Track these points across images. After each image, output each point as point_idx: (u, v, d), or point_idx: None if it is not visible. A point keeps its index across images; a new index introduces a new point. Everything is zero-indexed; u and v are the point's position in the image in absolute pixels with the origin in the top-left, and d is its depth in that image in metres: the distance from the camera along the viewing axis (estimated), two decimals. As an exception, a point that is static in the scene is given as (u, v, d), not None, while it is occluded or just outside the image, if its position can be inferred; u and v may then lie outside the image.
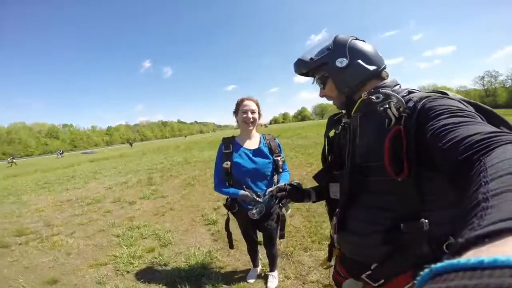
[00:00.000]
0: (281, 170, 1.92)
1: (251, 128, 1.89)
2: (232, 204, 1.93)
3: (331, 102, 1.02)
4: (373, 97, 0.82)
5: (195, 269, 2.65)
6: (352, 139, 0.86)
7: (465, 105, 0.66)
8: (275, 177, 1.93)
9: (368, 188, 0.84)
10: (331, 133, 1.10)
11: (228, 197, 1.97)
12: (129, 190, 6.71)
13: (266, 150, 1.91)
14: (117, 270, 2.79)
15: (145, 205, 5.22)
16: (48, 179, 10.40)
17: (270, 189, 1.35)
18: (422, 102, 0.69)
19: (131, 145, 50.67)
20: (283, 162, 1.94)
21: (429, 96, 0.70)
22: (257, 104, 1.91)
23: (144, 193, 6.10)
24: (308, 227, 3.35)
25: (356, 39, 0.92)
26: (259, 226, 2.02)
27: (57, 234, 4.03)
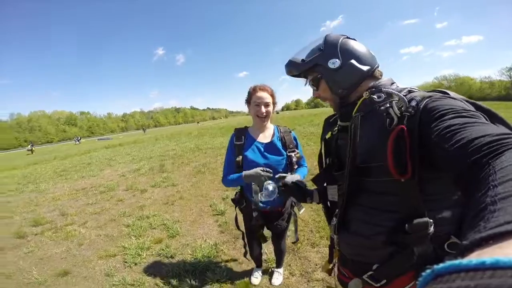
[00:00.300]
0: (296, 166, 1.74)
1: (264, 123, 1.73)
2: (240, 199, 1.82)
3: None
4: (375, 96, 0.81)
5: (201, 263, 2.64)
6: (353, 140, 0.82)
7: (467, 105, 0.65)
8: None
9: (369, 189, 0.82)
10: (328, 135, 1.07)
11: (237, 191, 1.87)
12: (141, 178, 6.82)
13: (279, 144, 1.75)
14: (125, 262, 2.84)
15: (156, 193, 5.29)
16: (66, 167, 10.72)
17: (281, 174, 1.29)
18: (425, 102, 0.68)
19: (144, 131, 51.41)
20: (298, 158, 1.75)
21: (431, 96, 0.69)
22: (272, 94, 1.72)
23: (156, 180, 6.18)
24: (317, 221, 3.28)
25: (347, 38, 0.89)
26: (269, 225, 1.91)
27: (71, 224, 4.14)
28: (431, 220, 0.72)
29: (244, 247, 2.10)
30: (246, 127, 1.81)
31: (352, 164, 0.81)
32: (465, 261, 0.19)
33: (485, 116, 0.61)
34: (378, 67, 0.89)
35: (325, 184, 1.09)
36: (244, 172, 1.61)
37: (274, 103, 1.74)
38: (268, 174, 1.56)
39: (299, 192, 1.19)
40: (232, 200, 1.89)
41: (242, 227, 2.01)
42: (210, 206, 4.19)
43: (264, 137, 1.76)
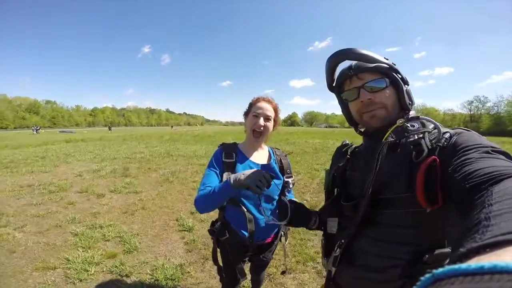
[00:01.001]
0: (287, 194, 1.49)
1: (257, 141, 1.45)
2: (222, 230, 1.43)
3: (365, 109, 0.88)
4: (409, 124, 0.78)
5: (161, 285, 2.30)
6: (375, 169, 0.77)
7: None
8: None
9: (382, 221, 0.79)
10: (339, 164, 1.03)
11: (216, 219, 1.51)
12: (100, 180, 6.16)
13: (276, 168, 1.50)
14: (67, 277, 2.38)
15: (115, 200, 4.74)
16: (15, 157, 9.56)
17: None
18: (456, 136, 0.69)
19: (110, 129, 49.38)
20: (293, 184, 1.53)
21: (462, 132, 0.71)
22: (276, 109, 1.48)
23: (116, 185, 5.60)
24: (292, 244, 3.08)
25: None
26: (253, 258, 1.59)
27: (5, 225, 3.50)
28: (450, 249, 0.70)
29: (221, 281, 1.67)
30: (235, 143, 1.53)
31: (378, 194, 0.77)
32: (464, 265, 0.19)
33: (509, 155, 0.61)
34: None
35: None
36: (232, 177, 1.18)
37: (275, 120, 1.49)
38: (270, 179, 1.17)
39: (306, 212, 1.11)
40: (210, 230, 1.51)
41: (220, 262, 1.64)
42: (177, 220, 3.79)
43: (260, 158, 1.50)
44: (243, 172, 1.17)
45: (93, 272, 2.47)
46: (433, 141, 0.71)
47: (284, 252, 1.77)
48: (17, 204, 4.43)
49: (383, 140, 0.80)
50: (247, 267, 1.92)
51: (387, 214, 0.78)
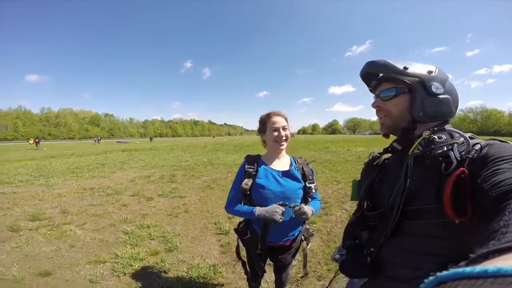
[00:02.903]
0: (310, 200, 1.60)
1: (283, 147, 1.58)
2: (244, 230, 1.63)
3: (376, 117, 0.95)
4: (436, 136, 0.78)
5: (195, 283, 2.43)
6: (404, 179, 0.77)
7: None
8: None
9: (409, 231, 0.78)
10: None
11: (242, 221, 1.70)
12: (150, 185, 6.72)
13: (297, 174, 1.60)
14: (114, 271, 2.64)
15: (162, 203, 5.13)
16: (80, 164, 10.88)
17: (294, 204, 1.37)
18: (487, 148, 0.68)
19: (151, 140, 52.55)
20: (316, 190, 1.62)
21: (494, 143, 0.70)
22: (286, 119, 1.62)
23: (164, 190, 6.05)
24: (327, 252, 3.00)
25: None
26: (273, 258, 1.70)
27: (69, 223, 4.01)
28: None
29: (246, 273, 1.87)
30: (259, 155, 1.67)
31: (406, 205, 0.76)
32: (468, 269, 0.19)
33: None
34: (454, 116, 0.88)
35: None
36: (257, 210, 1.44)
37: (287, 123, 1.63)
38: (283, 209, 1.42)
39: (363, 263, 0.88)
40: (235, 230, 1.73)
41: (244, 257, 1.82)
42: (215, 223, 3.96)
43: (281, 165, 1.62)
44: (266, 209, 1.42)
45: (136, 267, 2.72)
46: (462, 153, 0.70)
47: (304, 257, 1.81)
48: (80, 204, 5.05)
49: (410, 152, 0.81)
50: (270, 268, 1.99)
51: (414, 225, 0.77)
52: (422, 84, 0.84)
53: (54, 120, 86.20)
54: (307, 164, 1.69)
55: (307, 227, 1.75)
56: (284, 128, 1.57)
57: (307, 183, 1.59)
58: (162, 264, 2.74)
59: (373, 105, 0.93)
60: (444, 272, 0.20)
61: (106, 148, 22.92)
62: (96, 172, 8.78)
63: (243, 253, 1.76)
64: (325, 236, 3.41)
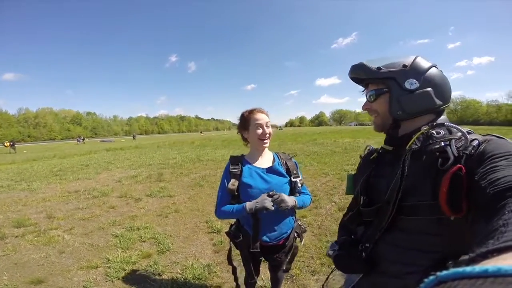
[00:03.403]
0: (297, 194, 1.59)
1: (266, 145, 1.57)
2: (236, 233, 1.61)
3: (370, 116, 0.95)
4: (434, 131, 0.78)
5: (190, 284, 2.43)
6: (401, 176, 0.77)
7: None
8: None
9: (405, 227, 0.78)
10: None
11: (233, 223, 1.69)
12: (137, 185, 6.60)
13: (281, 169, 1.60)
14: (107, 276, 2.61)
15: (150, 203, 5.07)
16: (63, 166, 10.55)
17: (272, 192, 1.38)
18: (485, 144, 0.67)
19: (134, 138, 53.46)
20: (302, 184, 1.62)
21: (491, 139, 0.69)
22: (268, 116, 1.61)
23: (152, 190, 5.97)
24: (318, 246, 3.05)
25: (436, 67, 0.85)
26: (267, 258, 1.72)
27: (56, 228, 3.91)
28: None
29: (235, 280, 1.86)
30: (242, 155, 1.66)
31: (401, 200, 0.76)
32: (468, 268, 0.19)
33: None
34: (448, 106, 0.86)
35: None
36: (247, 204, 1.44)
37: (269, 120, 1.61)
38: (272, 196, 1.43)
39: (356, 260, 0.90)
40: (227, 233, 1.71)
41: (235, 263, 1.82)
42: (206, 222, 3.96)
43: (264, 162, 1.62)
44: (255, 201, 1.43)
45: (129, 270, 2.69)
46: (460, 149, 0.70)
47: (293, 254, 1.76)
48: (66, 208, 4.91)
49: (407, 147, 0.80)
50: (265, 265, 2.01)
51: (410, 221, 0.77)
52: (396, 82, 0.83)
53: (33, 120, 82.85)
54: (290, 158, 1.69)
55: (299, 223, 1.76)
56: (267, 125, 1.55)
57: (292, 177, 1.59)
58: (156, 267, 2.72)
59: (363, 108, 0.95)
60: (444, 272, 0.20)
61: (90, 148, 22.28)
62: (80, 174, 8.54)
63: (237, 257, 1.76)
64: (316, 230, 3.46)
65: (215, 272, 2.62)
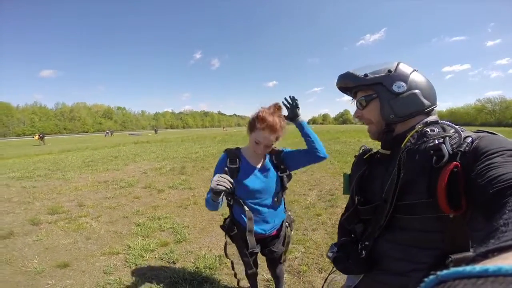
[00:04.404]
0: (286, 188, 1.66)
1: (261, 154, 1.58)
2: (231, 226, 1.66)
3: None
4: (428, 129, 0.79)
5: (201, 273, 2.55)
6: (397, 174, 0.77)
7: None
8: (280, 194, 1.66)
9: (404, 226, 0.79)
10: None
11: (228, 217, 1.73)
12: (161, 177, 6.91)
13: (272, 165, 1.64)
14: (126, 262, 2.81)
15: (172, 195, 5.31)
16: (94, 158, 11.22)
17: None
18: (478, 140, 0.68)
19: (156, 132, 55.33)
20: (290, 178, 1.64)
21: (484, 135, 0.70)
22: (280, 130, 1.48)
23: (174, 182, 6.23)
24: (330, 245, 3.03)
25: (416, 71, 0.89)
26: (264, 251, 1.76)
27: (85, 215, 4.22)
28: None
29: (234, 276, 1.93)
30: (238, 148, 1.65)
31: (398, 199, 0.77)
32: (468, 268, 0.19)
33: None
34: (436, 106, 0.88)
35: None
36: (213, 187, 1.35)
37: (278, 137, 1.51)
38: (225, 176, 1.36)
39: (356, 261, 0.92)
40: (222, 227, 1.74)
41: (232, 256, 1.88)
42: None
43: (259, 161, 1.64)
44: (213, 185, 1.34)
45: (147, 257, 2.87)
46: (454, 146, 0.70)
47: (287, 244, 1.80)
48: (95, 197, 5.28)
49: (402, 146, 0.81)
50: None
51: (408, 219, 0.78)
52: (383, 87, 0.85)
53: (69, 114, 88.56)
54: (278, 153, 1.67)
55: (289, 213, 1.82)
56: (268, 146, 1.50)
57: (279, 172, 1.61)
58: (171, 255, 2.88)
59: (354, 116, 0.97)
60: (445, 271, 0.20)
61: (120, 141, 23.44)
62: (110, 165, 9.05)
63: (232, 250, 1.80)
64: (330, 229, 3.46)
65: (225, 263, 2.71)
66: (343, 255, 0.93)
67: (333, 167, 7.60)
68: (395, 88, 0.83)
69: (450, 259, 0.70)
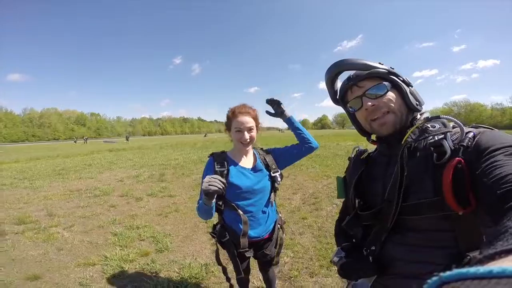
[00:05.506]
0: (278, 187, 1.64)
1: (248, 148, 1.55)
2: (222, 232, 1.56)
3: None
4: (429, 125, 0.75)
5: (187, 283, 2.41)
6: (400, 173, 0.74)
7: None
8: (273, 195, 1.64)
9: (413, 227, 0.76)
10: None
11: (217, 223, 1.64)
12: (139, 185, 6.63)
13: (263, 166, 1.60)
14: (104, 273, 2.61)
15: (151, 203, 5.08)
16: (66, 166, 10.62)
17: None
18: (479, 135, 0.67)
19: (127, 139, 50.41)
20: (282, 177, 1.63)
21: (485, 131, 0.69)
22: (255, 117, 1.53)
23: (153, 189, 5.98)
24: (318, 248, 3.02)
25: None
26: (257, 254, 1.67)
27: (56, 225, 3.92)
28: None
29: (227, 280, 1.83)
30: (224, 152, 1.61)
31: (402, 200, 0.73)
32: (472, 269, 0.19)
33: None
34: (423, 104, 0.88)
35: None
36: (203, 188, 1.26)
37: (257, 126, 1.55)
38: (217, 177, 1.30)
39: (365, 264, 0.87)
40: (211, 234, 1.65)
41: (223, 262, 1.78)
42: (206, 222, 3.94)
43: (248, 162, 1.60)
44: (204, 186, 1.25)
45: (127, 268, 2.69)
46: (455, 141, 0.68)
47: (279, 246, 1.75)
48: (67, 206, 4.93)
49: (402, 142, 0.77)
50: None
51: (415, 220, 0.75)
52: (397, 77, 0.83)
53: (38, 120, 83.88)
54: (268, 153, 1.68)
55: (280, 215, 1.78)
56: (250, 129, 1.49)
57: (271, 172, 1.59)
58: (153, 265, 2.72)
59: (368, 106, 0.83)
60: (448, 273, 0.20)
61: (93, 148, 22.43)
62: (83, 173, 8.59)
63: (223, 257, 1.73)
64: (317, 232, 3.44)
65: (213, 271, 2.61)
66: (352, 260, 0.89)
67: (314, 170, 7.67)
68: (407, 79, 0.83)
69: (468, 257, 0.66)
